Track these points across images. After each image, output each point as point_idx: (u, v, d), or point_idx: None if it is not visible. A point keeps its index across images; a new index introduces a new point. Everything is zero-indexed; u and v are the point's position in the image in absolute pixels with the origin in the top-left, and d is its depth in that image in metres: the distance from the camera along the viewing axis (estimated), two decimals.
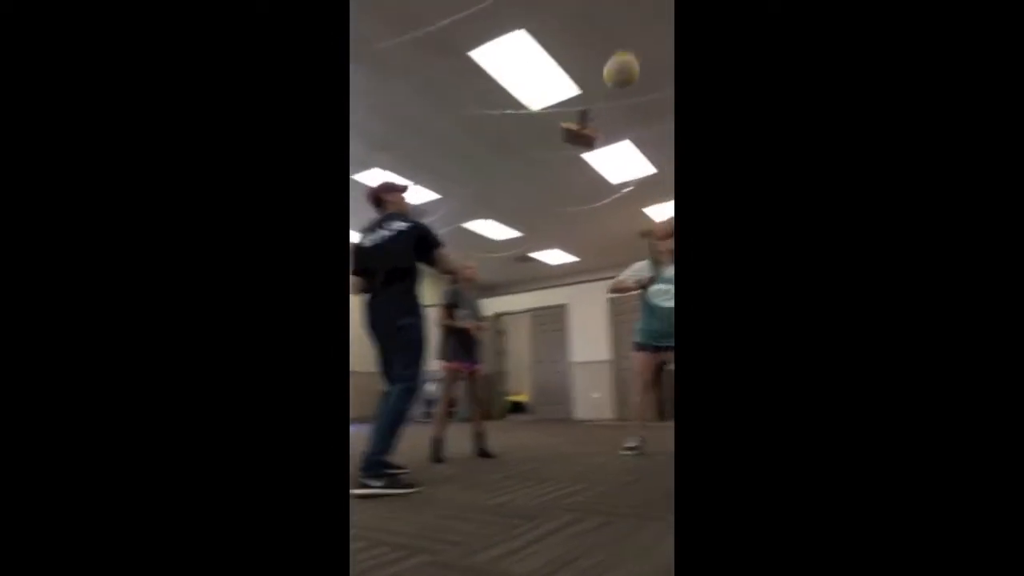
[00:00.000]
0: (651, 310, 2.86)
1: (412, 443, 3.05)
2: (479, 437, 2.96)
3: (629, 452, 2.79)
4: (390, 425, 1.90)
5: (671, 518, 1.40)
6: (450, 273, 2.40)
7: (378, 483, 1.80)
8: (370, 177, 4.76)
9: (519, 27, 2.87)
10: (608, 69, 2.41)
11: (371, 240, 2.14)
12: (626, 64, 2.39)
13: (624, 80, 2.43)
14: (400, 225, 2.10)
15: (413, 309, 2.06)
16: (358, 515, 1.51)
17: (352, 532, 1.32)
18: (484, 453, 2.89)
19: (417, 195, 5.17)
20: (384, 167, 4.56)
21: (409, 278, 2.08)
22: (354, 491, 1.74)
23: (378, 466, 1.84)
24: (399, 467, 2.05)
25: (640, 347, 2.92)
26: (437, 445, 2.81)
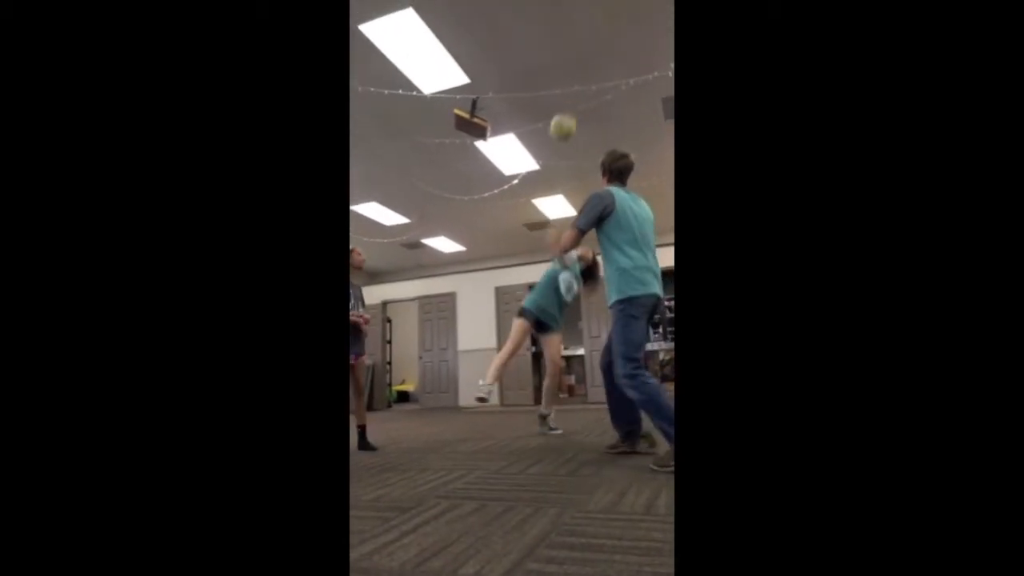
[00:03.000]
0: (555, 292, 3.10)
1: None
2: (361, 430, 2.88)
3: (552, 431, 3.16)
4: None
5: (542, 499, 1.49)
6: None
7: None
8: None
9: (407, 5, 2.78)
10: (560, 127, 2.79)
11: None
12: (565, 127, 2.81)
13: (563, 135, 2.82)
14: None
15: None
16: None
17: None
18: (365, 446, 2.82)
19: None
20: None
21: None
22: None
23: None
24: None
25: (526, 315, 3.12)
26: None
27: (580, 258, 3.02)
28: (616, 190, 2.10)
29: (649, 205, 2.26)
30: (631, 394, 1.92)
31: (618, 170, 2.19)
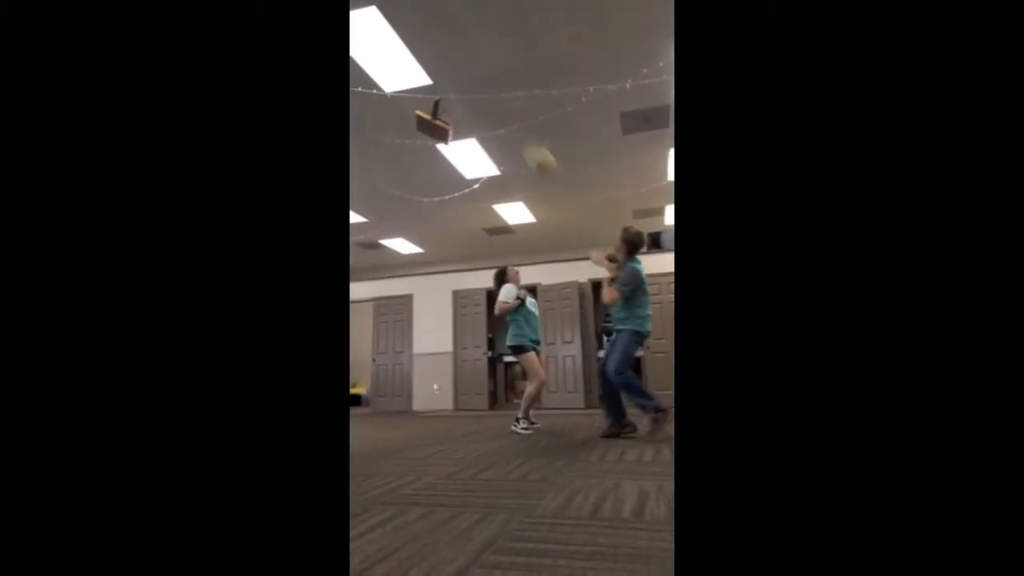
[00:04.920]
0: (527, 318, 3.68)
1: None
2: None
3: (526, 431, 3.48)
4: None
5: (490, 504, 1.49)
6: None
7: None
8: None
9: (370, 3, 2.73)
10: (536, 160, 3.18)
11: None
12: (540, 160, 3.24)
13: (543, 168, 3.20)
14: None
15: None
16: None
17: None
18: None
19: None
20: None
21: None
22: None
23: None
24: None
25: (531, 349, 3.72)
26: None
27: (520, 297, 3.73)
28: (639, 265, 3.10)
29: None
30: (620, 384, 2.94)
31: (635, 245, 3.16)
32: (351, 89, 3.39)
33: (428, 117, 3.62)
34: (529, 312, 3.67)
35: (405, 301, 7.40)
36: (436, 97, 3.54)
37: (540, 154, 2.98)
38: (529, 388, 3.59)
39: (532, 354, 3.59)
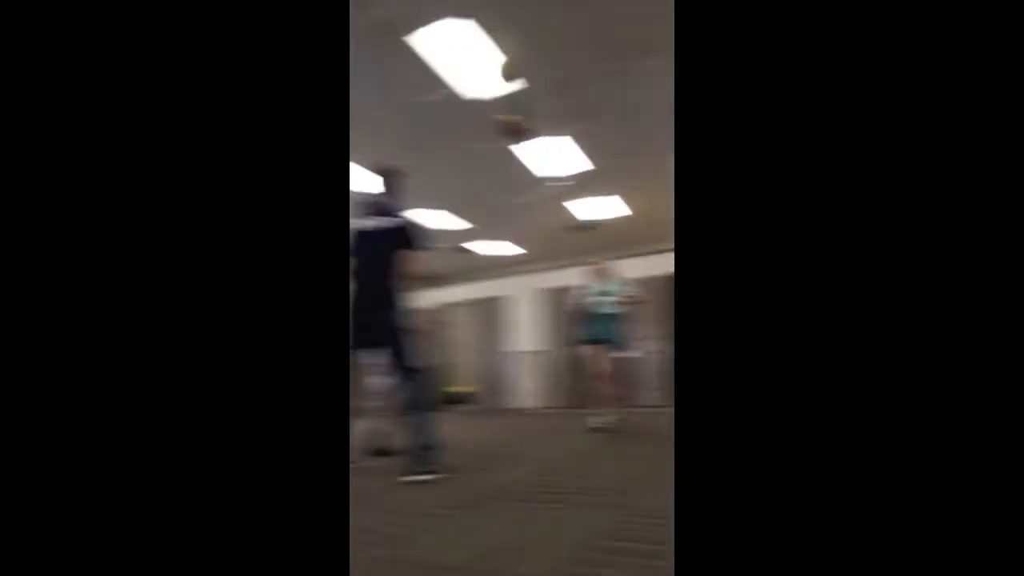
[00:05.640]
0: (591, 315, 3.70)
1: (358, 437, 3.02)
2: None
3: (598, 430, 3.36)
4: (424, 414, 2.00)
5: (602, 498, 1.52)
6: (412, 279, 2.27)
7: (427, 468, 1.91)
8: None
9: (456, 14, 2.87)
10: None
11: (365, 227, 2.18)
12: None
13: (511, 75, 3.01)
14: (391, 221, 2.17)
15: (401, 302, 2.13)
16: None
17: None
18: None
19: (357, 182, 5.03)
20: None
21: (393, 272, 2.13)
22: (411, 478, 1.87)
23: (428, 454, 1.94)
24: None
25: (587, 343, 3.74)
26: (378, 439, 2.83)
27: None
28: None
29: None
30: None
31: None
32: (439, 100, 3.58)
33: (510, 119, 3.70)
34: (591, 309, 3.74)
35: (503, 302, 7.62)
36: (523, 98, 3.62)
37: (506, 66, 2.95)
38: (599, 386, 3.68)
39: (584, 348, 3.71)
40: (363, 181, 4.87)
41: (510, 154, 4.44)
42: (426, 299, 7.84)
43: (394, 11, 2.73)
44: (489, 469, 2.18)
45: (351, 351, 2.14)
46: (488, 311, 7.72)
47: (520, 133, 3.72)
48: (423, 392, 2.09)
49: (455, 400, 8.36)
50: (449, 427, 4.59)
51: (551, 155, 4.48)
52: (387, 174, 2.31)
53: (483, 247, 7.14)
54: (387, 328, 2.10)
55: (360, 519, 1.47)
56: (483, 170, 4.79)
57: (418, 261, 2.22)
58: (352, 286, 2.16)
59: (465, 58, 3.19)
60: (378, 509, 1.57)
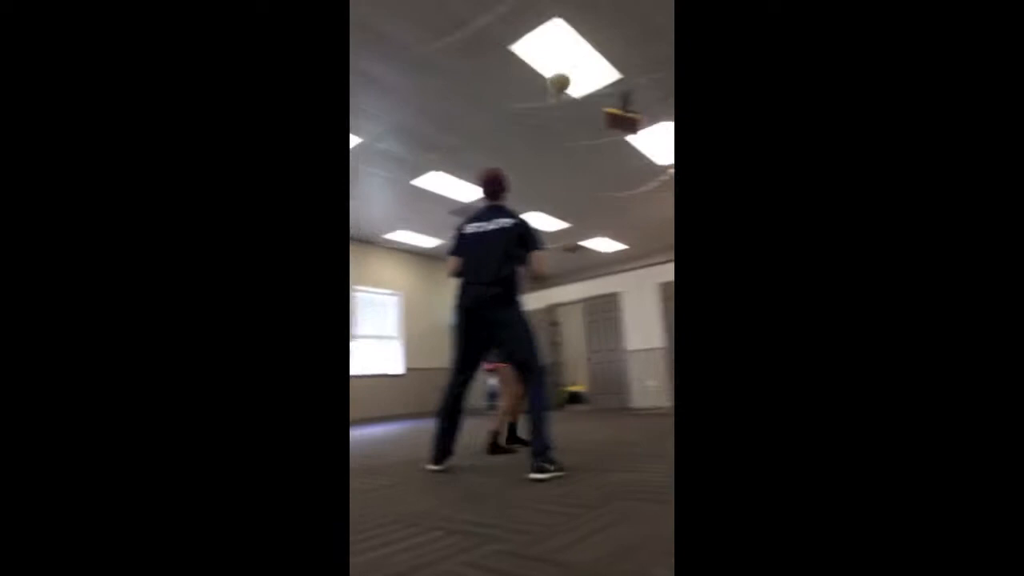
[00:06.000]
0: None
1: (472, 435, 3.12)
2: (512, 429, 3.05)
3: None
4: (544, 412, 2.04)
5: None
6: (540, 277, 2.35)
7: (551, 467, 1.93)
8: (428, 181, 4.88)
9: (555, 15, 2.85)
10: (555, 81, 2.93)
11: (475, 229, 2.23)
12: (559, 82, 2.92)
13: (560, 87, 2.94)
14: (506, 221, 2.19)
15: (518, 302, 2.16)
16: (434, 504, 1.59)
17: (428, 522, 1.39)
18: (518, 441, 2.98)
19: (464, 192, 5.25)
20: (434, 168, 4.66)
21: (512, 272, 2.16)
22: (536, 475, 1.89)
23: (548, 451, 1.96)
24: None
25: None
26: (497, 437, 2.90)
27: None
28: None
29: None
30: None
31: None
32: (544, 104, 3.58)
33: (619, 112, 3.59)
34: None
35: (613, 299, 7.43)
36: (625, 90, 3.49)
37: (557, 78, 2.69)
38: None
39: None
40: (468, 191, 5.08)
41: (628, 146, 4.31)
42: (540, 298, 7.92)
43: (492, 23, 2.79)
44: (613, 469, 2.11)
45: (476, 352, 2.21)
46: (601, 309, 7.57)
47: (630, 124, 3.59)
48: (542, 391, 2.07)
49: (571, 399, 8.34)
50: (567, 426, 4.58)
51: (660, 142, 4.27)
52: (491, 179, 2.35)
53: (592, 244, 7.03)
54: (505, 328, 2.11)
55: (481, 514, 1.49)
56: (591, 167, 4.71)
57: (540, 260, 2.22)
58: (457, 287, 2.21)
59: (565, 58, 3.16)
60: (500, 505, 1.59)
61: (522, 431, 3.03)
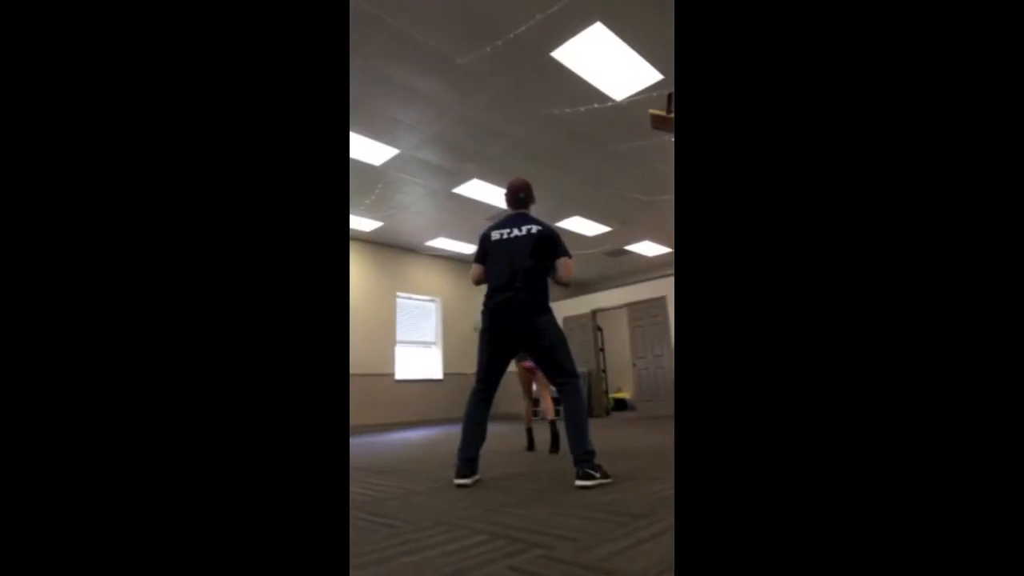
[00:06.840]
0: None
1: (508, 438, 3.11)
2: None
3: None
4: (584, 419, 2.04)
5: None
6: (565, 284, 2.32)
7: (597, 473, 1.93)
8: (468, 188, 4.96)
9: (595, 20, 2.83)
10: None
11: (500, 236, 2.25)
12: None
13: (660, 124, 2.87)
14: (532, 227, 2.20)
15: (546, 308, 2.16)
16: (475, 509, 1.60)
17: (474, 526, 1.39)
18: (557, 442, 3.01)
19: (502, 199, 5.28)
20: (474, 176, 4.73)
21: (540, 278, 2.16)
22: (582, 483, 1.88)
23: (591, 456, 1.96)
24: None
25: None
26: (531, 440, 2.94)
27: None
28: None
29: None
30: None
31: None
32: (586, 108, 3.56)
33: (662, 112, 3.52)
34: None
35: (658, 303, 7.26)
36: (669, 91, 3.43)
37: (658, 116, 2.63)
38: None
39: None
40: (498, 196, 5.11)
41: (669, 147, 4.23)
42: (583, 303, 7.85)
43: (533, 30, 2.81)
44: (660, 477, 2.05)
45: (501, 360, 2.20)
46: (647, 313, 7.42)
47: (672, 124, 3.52)
48: (578, 397, 2.05)
49: (617, 406, 8.18)
50: (613, 433, 4.50)
51: None
52: (516, 187, 2.35)
53: (636, 248, 6.91)
54: (535, 335, 2.10)
55: (526, 519, 1.48)
56: (635, 170, 4.64)
57: (566, 267, 2.20)
58: (488, 291, 2.20)
59: (606, 62, 3.14)
60: (545, 511, 1.57)
61: (551, 437, 3.03)
